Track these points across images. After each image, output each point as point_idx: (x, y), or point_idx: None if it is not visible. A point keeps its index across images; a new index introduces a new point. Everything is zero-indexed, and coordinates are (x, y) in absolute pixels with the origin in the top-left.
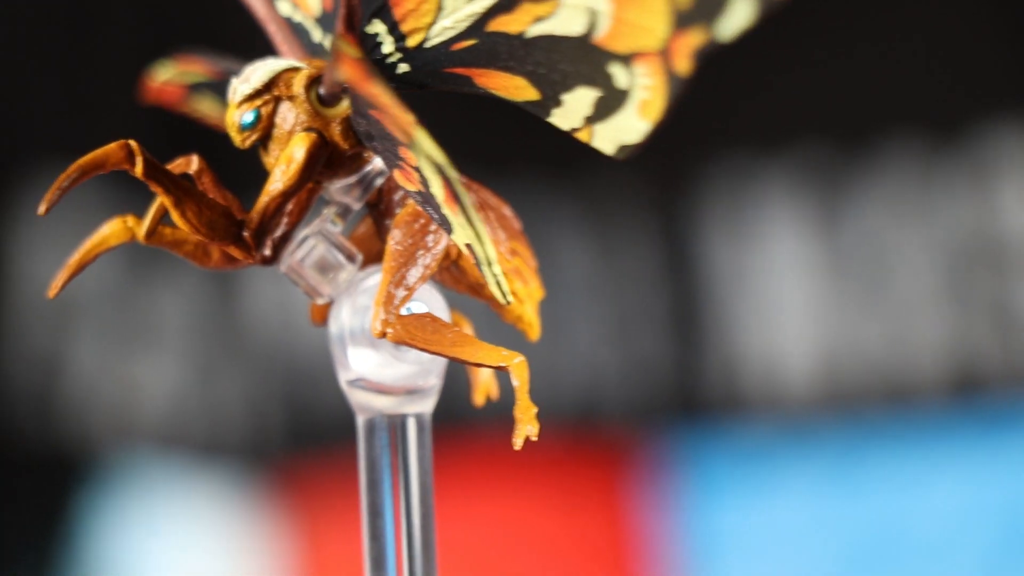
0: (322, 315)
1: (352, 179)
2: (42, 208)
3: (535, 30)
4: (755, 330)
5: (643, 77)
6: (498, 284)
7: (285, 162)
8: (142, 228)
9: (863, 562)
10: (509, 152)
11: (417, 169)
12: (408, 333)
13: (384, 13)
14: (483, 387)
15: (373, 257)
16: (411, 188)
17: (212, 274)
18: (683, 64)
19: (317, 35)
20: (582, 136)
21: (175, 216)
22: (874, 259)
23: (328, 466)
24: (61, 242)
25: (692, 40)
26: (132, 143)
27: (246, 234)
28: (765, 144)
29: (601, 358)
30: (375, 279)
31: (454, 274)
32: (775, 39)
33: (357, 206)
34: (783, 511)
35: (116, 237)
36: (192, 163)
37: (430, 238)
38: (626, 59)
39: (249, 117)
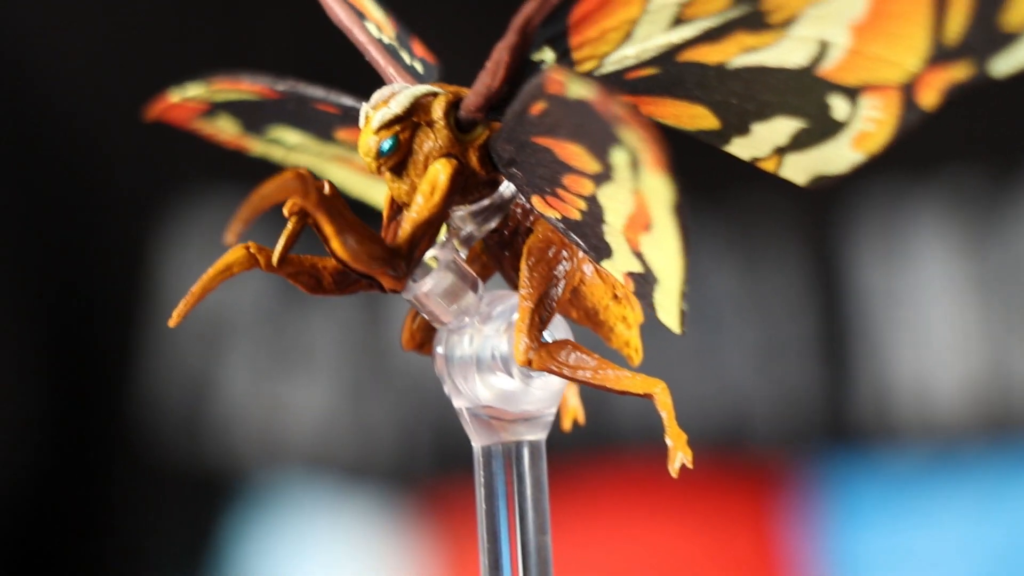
0: (414, 341)
1: (479, 206)
2: (230, 239)
3: (741, 61)
4: (906, 355)
5: (870, 109)
6: (682, 313)
7: (429, 189)
8: (274, 255)
9: None
10: None
11: (590, 198)
12: (553, 360)
13: (559, 41)
14: (571, 412)
15: None
16: (552, 215)
17: (362, 298)
18: (930, 98)
19: (407, 57)
20: (766, 165)
21: (335, 244)
22: None
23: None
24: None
25: (952, 74)
26: (306, 172)
27: (400, 262)
28: (915, 168)
29: (749, 382)
30: (501, 306)
31: (572, 300)
32: None
33: (480, 233)
34: (934, 538)
35: (240, 264)
36: (324, 188)
37: (562, 265)
38: (853, 91)
39: (388, 143)
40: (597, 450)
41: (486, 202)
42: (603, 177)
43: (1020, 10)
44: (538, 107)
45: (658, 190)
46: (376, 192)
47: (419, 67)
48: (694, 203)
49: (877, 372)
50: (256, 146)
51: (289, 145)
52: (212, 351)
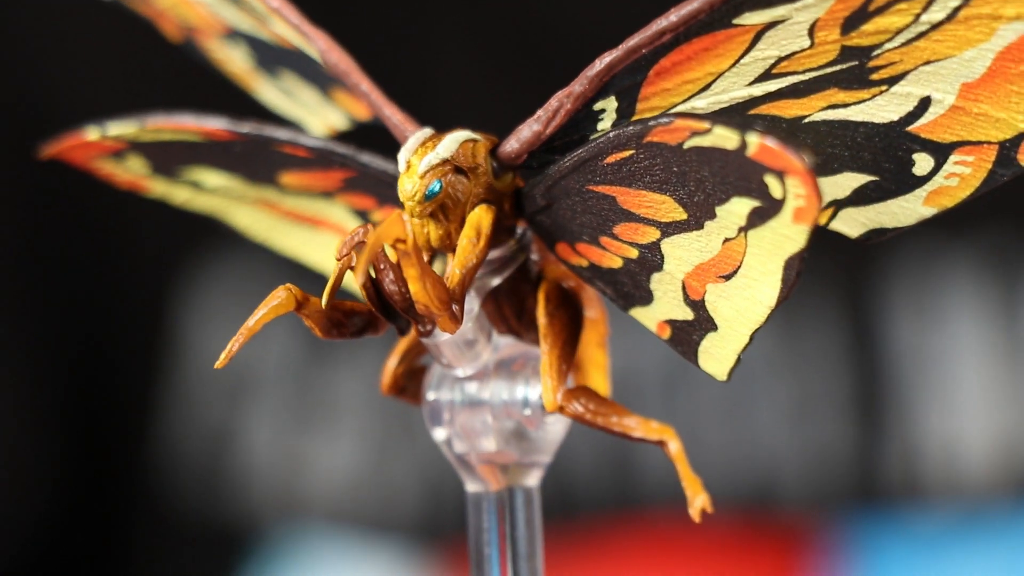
0: (396, 386)
1: (498, 254)
2: (361, 280)
3: (822, 115)
4: (935, 416)
5: (958, 165)
6: (737, 363)
7: (475, 234)
8: (324, 297)
9: None
10: None
11: (648, 246)
12: (582, 406)
13: (629, 92)
14: None
15: None
16: (576, 262)
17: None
18: None
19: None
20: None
21: (417, 286)
22: None
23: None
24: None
25: None
26: (406, 217)
27: (457, 306)
28: (951, 228)
29: (779, 441)
30: (510, 353)
31: None
32: None
33: (495, 282)
34: None
35: (284, 306)
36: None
37: (578, 312)
38: (944, 147)
39: (436, 187)
40: (624, 510)
41: (504, 249)
42: (682, 226)
43: None
44: (621, 155)
45: (784, 240)
46: (282, 238)
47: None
48: None
49: (906, 433)
50: (157, 188)
51: (206, 187)
52: (234, 405)
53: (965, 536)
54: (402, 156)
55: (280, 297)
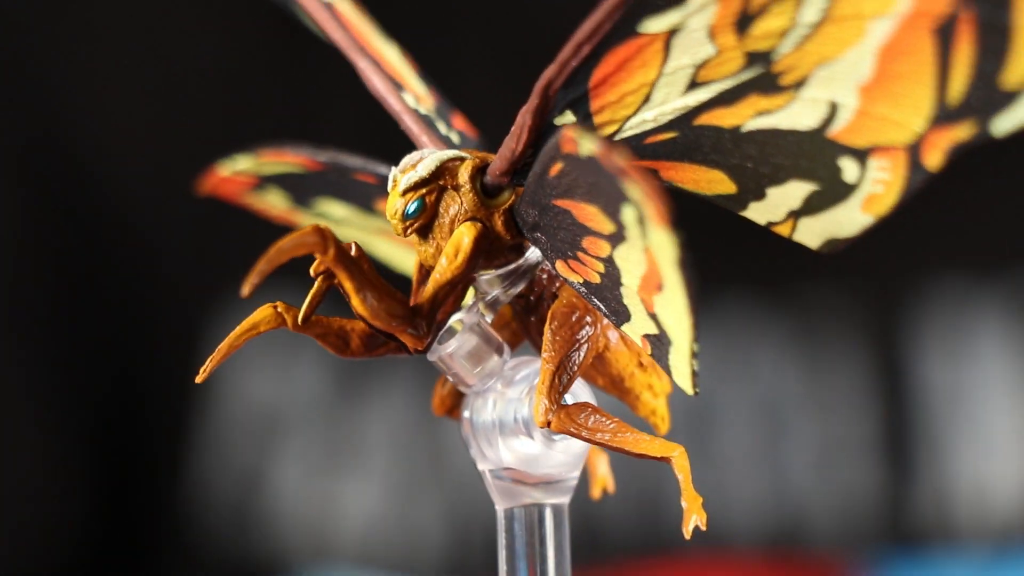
0: (444, 406)
1: (504, 270)
2: (246, 291)
3: (755, 124)
4: (966, 456)
5: (878, 171)
6: (693, 374)
7: (453, 251)
8: (299, 314)
9: None
10: (717, 269)
11: (607, 259)
12: (573, 422)
13: (580, 104)
14: (600, 481)
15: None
16: (574, 279)
17: (415, 395)
18: (935, 158)
19: (443, 127)
20: (780, 229)
21: (355, 302)
22: None
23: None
24: (265, 357)
25: (955, 134)
26: (325, 228)
27: (420, 322)
28: (979, 269)
29: (810, 480)
30: (525, 370)
31: (596, 366)
32: (987, 165)
33: (506, 298)
34: None
35: (266, 323)
36: (351, 249)
37: (585, 330)
38: (862, 153)
39: (414, 206)
40: (653, 552)
41: (511, 267)
42: (617, 237)
43: (1020, 69)
44: (556, 168)
45: (664, 246)
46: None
47: (455, 138)
48: (756, 298)
49: (937, 473)
50: (305, 220)
51: (335, 219)
52: (264, 445)
53: None
54: (391, 174)
55: (264, 315)
